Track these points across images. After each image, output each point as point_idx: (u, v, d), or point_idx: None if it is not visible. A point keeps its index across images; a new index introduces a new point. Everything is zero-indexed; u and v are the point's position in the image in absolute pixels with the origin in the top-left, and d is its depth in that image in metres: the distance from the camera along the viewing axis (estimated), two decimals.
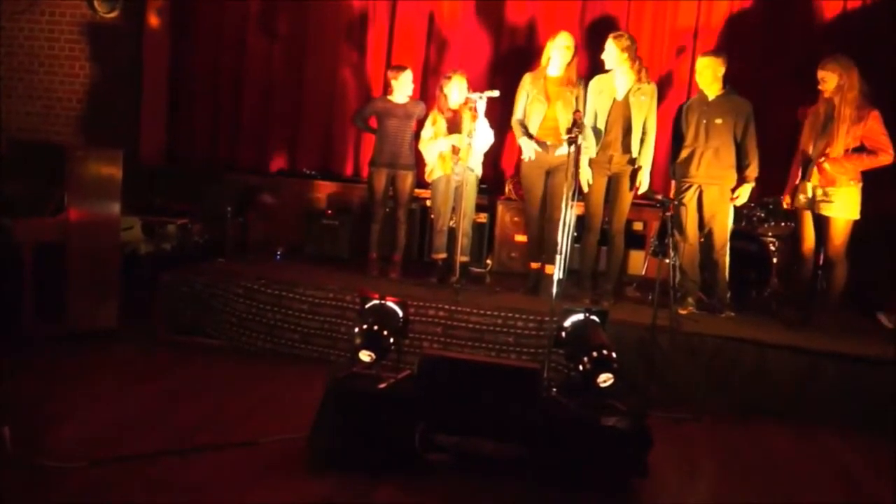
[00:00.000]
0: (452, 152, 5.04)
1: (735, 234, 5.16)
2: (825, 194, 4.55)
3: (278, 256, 5.86)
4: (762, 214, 5.34)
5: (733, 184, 4.81)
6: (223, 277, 4.94)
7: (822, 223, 4.62)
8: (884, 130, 4.42)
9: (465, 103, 5.02)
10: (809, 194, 4.63)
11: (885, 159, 4.42)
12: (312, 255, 5.94)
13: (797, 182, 4.72)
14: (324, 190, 6.57)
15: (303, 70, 6.76)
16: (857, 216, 4.55)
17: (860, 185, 4.52)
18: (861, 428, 4.06)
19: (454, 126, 5.08)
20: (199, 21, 6.93)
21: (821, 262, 4.83)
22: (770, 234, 5.30)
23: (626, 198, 4.90)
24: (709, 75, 4.78)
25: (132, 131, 6.71)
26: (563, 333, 3.56)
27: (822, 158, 4.51)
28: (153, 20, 6.82)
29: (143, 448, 3.20)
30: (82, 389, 3.89)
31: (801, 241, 4.77)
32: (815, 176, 4.55)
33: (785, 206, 4.93)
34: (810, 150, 4.61)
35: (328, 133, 6.79)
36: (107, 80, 6.75)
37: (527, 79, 4.97)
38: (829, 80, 4.52)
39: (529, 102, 4.91)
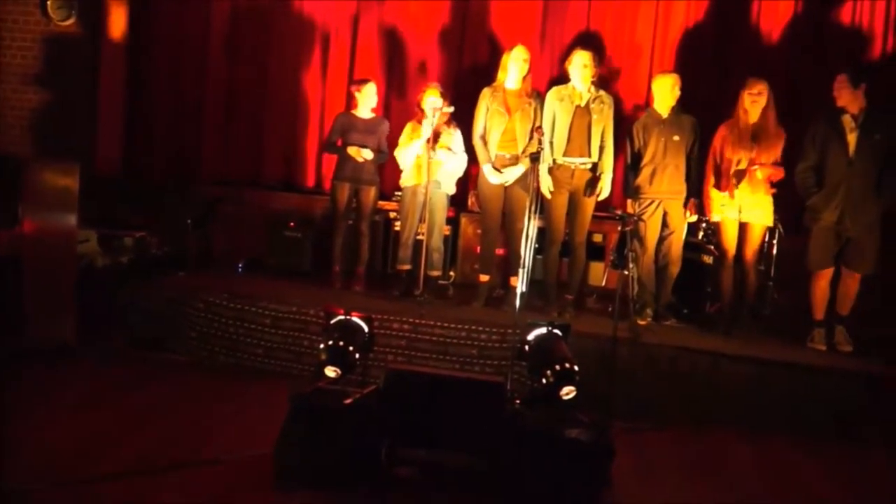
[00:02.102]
0: (428, 149, 5.01)
1: (691, 247, 5.30)
2: (751, 202, 4.81)
3: (240, 269, 5.82)
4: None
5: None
6: (184, 291, 4.90)
7: (744, 230, 4.87)
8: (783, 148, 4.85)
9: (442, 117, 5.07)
10: (736, 203, 4.82)
11: (782, 173, 4.82)
12: (274, 267, 5.90)
13: (723, 193, 4.87)
14: (286, 202, 6.52)
15: (265, 81, 6.72)
16: (772, 223, 4.95)
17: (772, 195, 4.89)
18: (811, 434, 4.19)
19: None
20: (159, 30, 6.85)
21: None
22: None
23: (589, 211, 5.00)
24: (667, 93, 4.93)
25: (87, 142, 6.59)
26: (527, 347, 3.62)
27: (755, 167, 4.75)
28: (111, 29, 6.72)
29: (106, 468, 3.15)
30: (43, 407, 3.81)
31: (726, 252, 4.93)
32: (744, 185, 4.78)
33: (711, 220, 5.04)
34: (736, 162, 4.81)
35: (291, 144, 6.76)
36: (61, 90, 6.61)
37: (486, 93, 5.05)
38: (764, 94, 4.78)
39: (490, 116, 4.99)
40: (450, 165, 5.14)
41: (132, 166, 6.90)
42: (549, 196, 4.93)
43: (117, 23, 6.77)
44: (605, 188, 4.93)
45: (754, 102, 4.78)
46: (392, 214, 5.90)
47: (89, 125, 6.63)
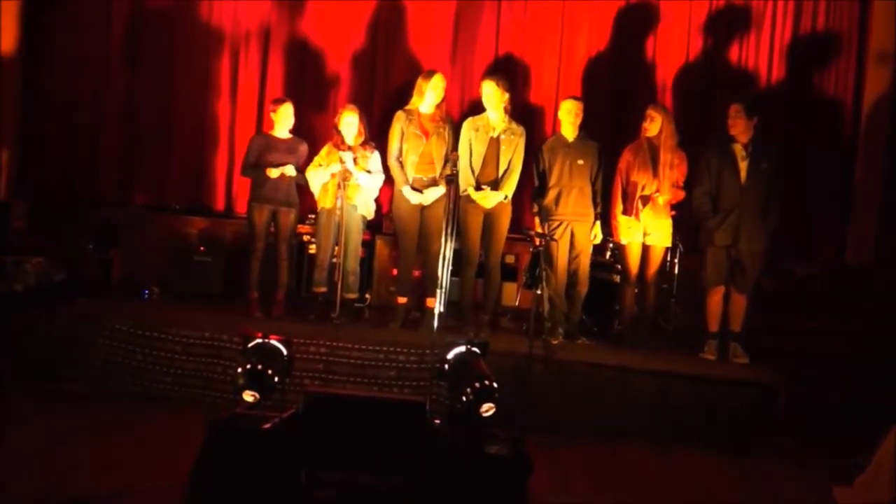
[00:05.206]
0: (338, 188, 5.04)
1: (601, 267, 5.50)
2: (653, 226, 5.08)
3: (146, 295, 5.62)
4: None
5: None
6: (86, 318, 4.69)
7: (646, 252, 5.15)
8: (686, 172, 5.16)
9: (360, 139, 5.10)
10: (641, 227, 5.08)
11: (682, 195, 5.14)
12: (183, 292, 5.72)
13: (629, 216, 5.11)
14: (194, 225, 6.34)
15: (170, 100, 6.55)
16: (670, 244, 5.24)
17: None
18: (713, 443, 4.40)
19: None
20: (55, 46, 6.54)
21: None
22: None
23: (503, 233, 5.13)
24: (571, 118, 5.15)
25: None
26: (446, 366, 3.65)
27: (657, 193, 5.02)
28: (1, 42, 6.37)
29: (7, 500, 2.97)
30: None
31: (629, 272, 5.17)
32: (647, 210, 5.04)
33: (617, 240, 5.29)
34: (641, 187, 5.07)
35: (198, 166, 6.60)
36: None
37: (400, 115, 5.12)
38: (656, 120, 5.07)
39: (406, 139, 5.06)
40: (368, 185, 5.14)
41: (28, 188, 6.53)
42: (487, 207, 5.01)
43: (8, 35, 6.43)
44: (491, 198, 4.99)
45: (648, 128, 5.07)
46: (306, 238, 5.85)
47: None
